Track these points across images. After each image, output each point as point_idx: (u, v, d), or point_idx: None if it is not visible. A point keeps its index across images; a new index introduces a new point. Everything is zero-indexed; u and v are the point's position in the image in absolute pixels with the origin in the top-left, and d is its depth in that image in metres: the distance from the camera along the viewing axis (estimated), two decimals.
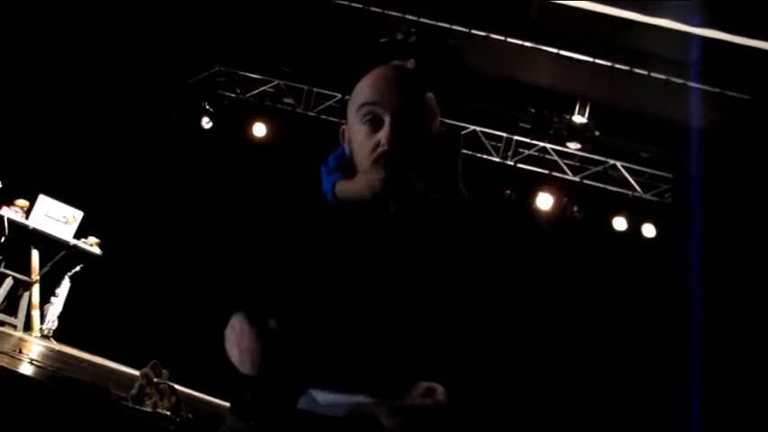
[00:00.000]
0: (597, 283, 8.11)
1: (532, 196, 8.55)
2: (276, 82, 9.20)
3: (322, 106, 8.99)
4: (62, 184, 7.74)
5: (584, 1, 6.36)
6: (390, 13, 7.03)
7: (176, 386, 4.35)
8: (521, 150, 8.72)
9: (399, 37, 2.09)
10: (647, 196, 8.50)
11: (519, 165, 8.70)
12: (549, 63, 7.08)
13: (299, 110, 9.05)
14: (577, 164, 8.71)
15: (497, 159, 8.71)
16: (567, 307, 8.09)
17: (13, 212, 7.24)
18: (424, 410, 1.28)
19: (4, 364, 3.78)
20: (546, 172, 8.66)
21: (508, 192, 8.68)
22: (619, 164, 8.58)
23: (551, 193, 8.51)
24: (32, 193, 7.46)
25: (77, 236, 7.65)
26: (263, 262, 1.46)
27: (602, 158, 8.57)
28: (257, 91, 9.27)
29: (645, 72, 6.88)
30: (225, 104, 9.32)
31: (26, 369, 4.26)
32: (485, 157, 8.68)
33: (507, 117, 8.58)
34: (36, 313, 7.36)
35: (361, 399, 1.23)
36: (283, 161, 7.88)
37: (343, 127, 1.54)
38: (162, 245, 8.16)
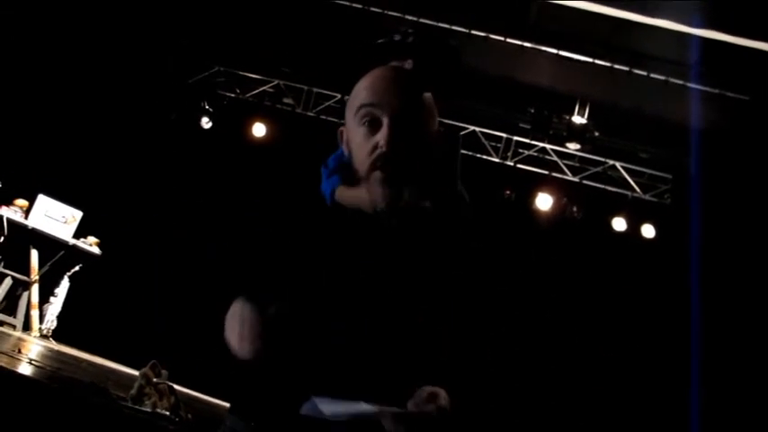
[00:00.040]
0: (597, 284, 8.11)
1: (532, 197, 8.55)
2: (276, 82, 9.20)
3: (321, 106, 8.99)
4: (61, 183, 7.73)
5: (584, 1, 6.36)
6: (390, 13, 7.03)
7: (175, 386, 4.35)
8: (520, 151, 8.72)
9: (397, 38, 2.09)
10: (647, 197, 8.50)
11: (518, 165, 8.70)
12: (548, 63, 7.08)
13: (298, 110, 9.05)
14: (577, 164, 8.72)
15: (497, 160, 8.71)
16: (567, 307, 8.09)
17: (12, 212, 7.24)
18: (427, 418, 1.28)
19: (3, 364, 3.78)
20: (545, 172, 8.66)
21: (508, 192, 8.68)
22: (618, 164, 8.58)
23: (551, 194, 8.52)
24: (32, 192, 7.46)
25: (77, 236, 7.64)
26: (262, 263, 1.47)
27: (602, 159, 8.57)
28: (257, 91, 9.28)
29: (644, 73, 6.88)
30: (224, 104, 9.32)
31: (25, 369, 4.26)
32: (484, 157, 8.68)
33: (507, 117, 8.58)
34: (35, 313, 7.35)
35: (364, 407, 1.23)
36: (283, 161, 7.89)
37: (342, 128, 1.54)
38: (161, 245, 8.16)
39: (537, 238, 8.38)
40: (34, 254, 7.42)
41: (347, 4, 7.16)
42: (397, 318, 1.40)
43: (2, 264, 7.29)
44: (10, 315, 7.20)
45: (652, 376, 7.57)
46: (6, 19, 7.49)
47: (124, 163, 8.51)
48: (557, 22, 6.77)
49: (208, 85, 9.33)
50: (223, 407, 6.48)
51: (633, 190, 8.52)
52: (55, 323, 7.50)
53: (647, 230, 8.31)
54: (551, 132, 8.23)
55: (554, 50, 7.01)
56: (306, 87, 9.05)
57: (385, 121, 1.43)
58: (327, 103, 8.95)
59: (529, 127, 8.40)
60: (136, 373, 4.35)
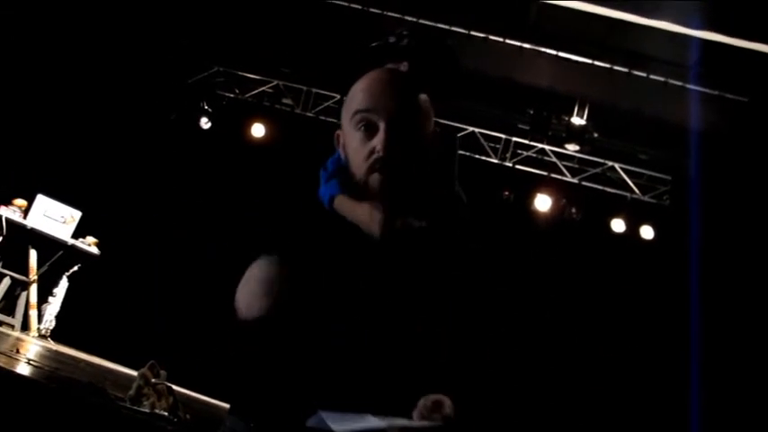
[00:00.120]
0: (595, 285, 8.11)
1: (531, 198, 8.55)
2: (275, 82, 9.20)
3: (321, 107, 8.99)
4: (60, 183, 7.73)
5: (583, 2, 6.36)
6: (389, 14, 7.03)
7: (174, 387, 4.35)
8: (519, 152, 8.72)
9: (392, 40, 2.08)
10: (646, 198, 8.50)
11: (517, 166, 8.70)
12: (547, 64, 7.09)
13: (297, 110, 9.05)
14: (576, 165, 8.72)
15: (496, 161, 8.71)
16: (566, 309, 8.09)
17: (11, 212, 7.23)
18: (435, 429, 1.28)
19: (1, 365, 3.78)
20: (544, 173, 8.66)
21: (506, 193, 8.68)
22: (617, 166, 8.59)
23: (550, 195, 8.52)
24: (30, 192, 7.45)
25: (75, 236, 7.64)
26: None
27: (601, 160, 8.58)
28: (256, 91, 9.28)
29: (644, 74, 6.89)
30: (224, 105, 9.32)
31: (23, 369, 4.26)
32: (483, 158, 8.68)
33: (506, 118, 8.58)
34: (34, 313, 7.35)
35: (371, 420, 1.23)
36: (282, 162, 7.89)
37: (338, 132, 1.54)
38: (160, 245, 8.16)
39: (536, 240, 8.38)
40: (33, 254, 7.42)
41: (346, 4, 7.16)
42: (395, 319, 1.40)
43: (0, 264, 7.28)
44: (8, 315, 7.20)
45: (652, 377, 7.57)
46: (6, 19, 7.49)
47: (123, 163, 8.51)
48: (556, 22, 6.77)
49: (207, 86, 9.33)
50: (222, 407, 6.48)
51: (632, 191, 8.52)
52: (53, 323, 7.50)
53: (646, 232, 8.31)
54: (550, 133, 8.23)
55: (553, 51, 7.02)
56: (305, 88, 9.05)
57: (381, 125, 1.43)
58: (326, 104, 8.94)
59: (528, 128, 8.40)
60: (134, 373, 4.34)
